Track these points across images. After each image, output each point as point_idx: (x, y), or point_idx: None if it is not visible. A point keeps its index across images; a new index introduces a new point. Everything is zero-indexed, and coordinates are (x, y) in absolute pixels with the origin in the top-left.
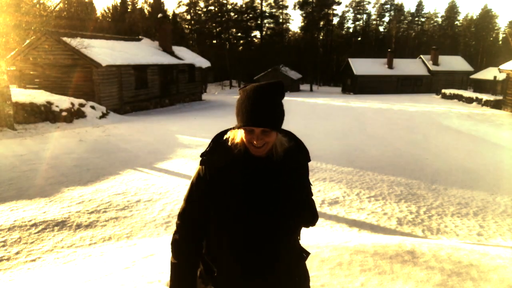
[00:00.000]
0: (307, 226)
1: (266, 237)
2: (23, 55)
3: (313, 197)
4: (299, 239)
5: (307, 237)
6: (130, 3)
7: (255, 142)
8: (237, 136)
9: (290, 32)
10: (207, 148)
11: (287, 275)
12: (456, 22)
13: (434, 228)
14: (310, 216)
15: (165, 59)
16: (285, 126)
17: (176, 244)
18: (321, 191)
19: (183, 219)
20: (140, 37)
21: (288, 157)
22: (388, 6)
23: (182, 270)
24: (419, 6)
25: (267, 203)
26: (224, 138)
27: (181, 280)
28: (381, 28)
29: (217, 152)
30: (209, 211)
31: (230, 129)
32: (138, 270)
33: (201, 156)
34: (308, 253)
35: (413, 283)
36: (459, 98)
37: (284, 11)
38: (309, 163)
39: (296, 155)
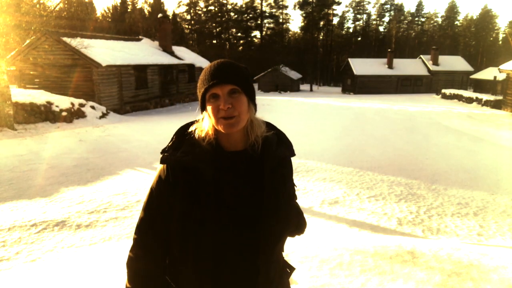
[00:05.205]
0: (293, 235)
1: (245, 249)
2: (23, 55)
3: (297, 201)
4: (283, 251)
5: (307, 237)
6: (130, 3)
7: (221, 106)
8: (205, 125)
9: (290, 32)
10: (169, 142)
11: None
12: (456, 22)
13: (434, 228)
14: (297, 222)
15: (165, 59)
16: (286, 125)
17: (133, 264)
18: (321, 191)
19: (142, 232)
20: (140, 37)
21: (268, 150)
22: (388, 6)
23: None
24: (419, 6)
25: (246, 207)
26: (189, 130)
27: None
28: (381, 28)
29: (182, 147)
30: (173, 220)
31: (195, 121)
32: None
33: (162, 152)
34: (293, 268)
35: (413, 283)
36: (459, 98)
37: (284, 11)
38: (310, 163)
39: (277, 148)
